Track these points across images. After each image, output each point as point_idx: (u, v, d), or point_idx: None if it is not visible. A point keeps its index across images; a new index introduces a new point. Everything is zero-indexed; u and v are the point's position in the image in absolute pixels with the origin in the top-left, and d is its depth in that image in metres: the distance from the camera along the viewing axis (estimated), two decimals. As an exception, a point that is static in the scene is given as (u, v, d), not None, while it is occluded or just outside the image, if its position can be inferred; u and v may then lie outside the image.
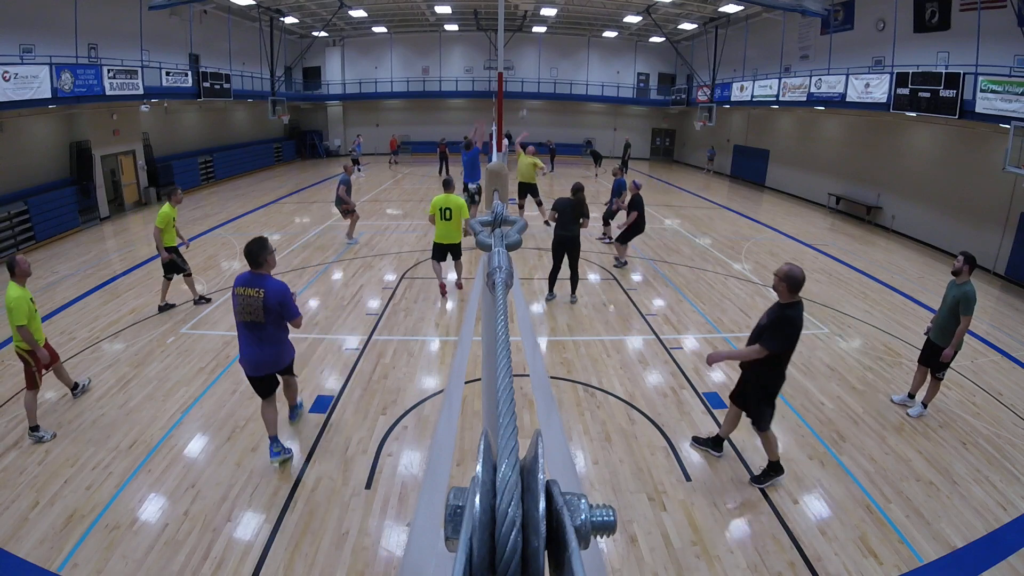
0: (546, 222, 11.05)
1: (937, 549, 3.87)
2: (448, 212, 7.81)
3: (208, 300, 8.26)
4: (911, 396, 5.76)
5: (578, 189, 7.91)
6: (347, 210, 11.26)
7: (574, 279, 8.23)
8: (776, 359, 4.17)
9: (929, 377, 5.57)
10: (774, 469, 4.48)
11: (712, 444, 4.83)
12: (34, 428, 4.87)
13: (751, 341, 4.25)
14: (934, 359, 5.43)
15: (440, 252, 8.16)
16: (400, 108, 29.18)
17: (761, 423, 4.37)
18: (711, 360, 4.33)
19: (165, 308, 7.85)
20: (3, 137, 11.92)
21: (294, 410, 5.15)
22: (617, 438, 5.03)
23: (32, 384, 4.87)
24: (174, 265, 7.65)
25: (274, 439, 4.55)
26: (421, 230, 12.98)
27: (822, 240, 13.34)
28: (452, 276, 8.63)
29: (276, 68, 22.72)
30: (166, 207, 7.50)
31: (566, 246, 7.96)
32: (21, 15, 12.47)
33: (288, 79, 25.23)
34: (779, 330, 4.06)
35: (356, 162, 23.34)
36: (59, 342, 6.50)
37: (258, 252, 4.20)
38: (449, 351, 6.68)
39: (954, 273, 5.27)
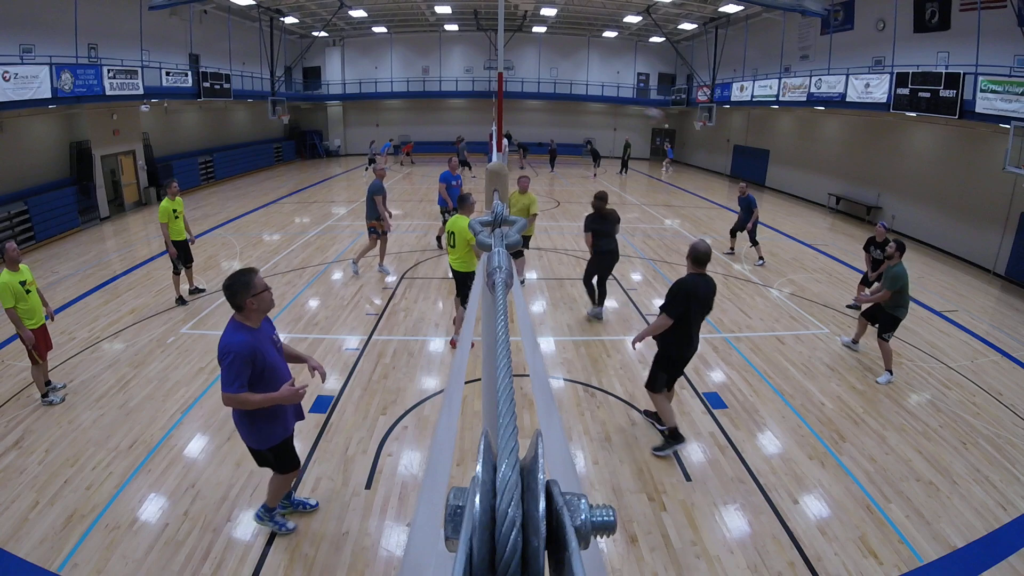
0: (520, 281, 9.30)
1: (937, 549, 3.87)
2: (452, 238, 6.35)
3: (202, 290, 8.59)
4: (855, 341, 7.01)
5: (602, 197, 7.21)
6: (373, 228, 9.13)
7: (603, 293, 7.66)
8: (676, 325, 4.48)
9: (878, 340, 6.42)
10: (673, 437, 4.77)
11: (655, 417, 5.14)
12: (44, 395, 5.44)
13: None
14: (877, 317, 6.43)
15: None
16: (400, 108, 29.18)
17: (651, 384, 4.76)
18: (635, 342, 4.71)
19: (181, 301, 8.08)
20: (3, 137, 11.92)
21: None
22: (617, 438, 5.02)
23: (33, 360, 5.34)
24: (180, 259, 7.91)
25: (267, 508, 3.80)
26: (422, 230, 13.00)
27: (822, 240, 13.34)
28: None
29: (276, 68, 22.72)
30: (164, 201, 7.74)
31: (609, 261, 7.32)
32: (21, 15, 12.47)
33: (288, 79, 25.24)
34: (671, 296, 4.45)
35: (372, 160, 23.41)
36: (59, 342, 6.50)
37: (232, 292, 3.20)
38: (449, 351, 6.68)
39: (887, 257, 6.34)
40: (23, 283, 5.19)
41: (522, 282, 9.41)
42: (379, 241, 9.33)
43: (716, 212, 16.37)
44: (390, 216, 9.12)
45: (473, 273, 6.15)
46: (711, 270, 10.33)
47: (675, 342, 4.57)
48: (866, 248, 7.96)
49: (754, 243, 10.87)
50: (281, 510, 3.96)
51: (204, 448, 4.78)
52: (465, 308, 6.60)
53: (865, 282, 8.07)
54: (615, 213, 7.32)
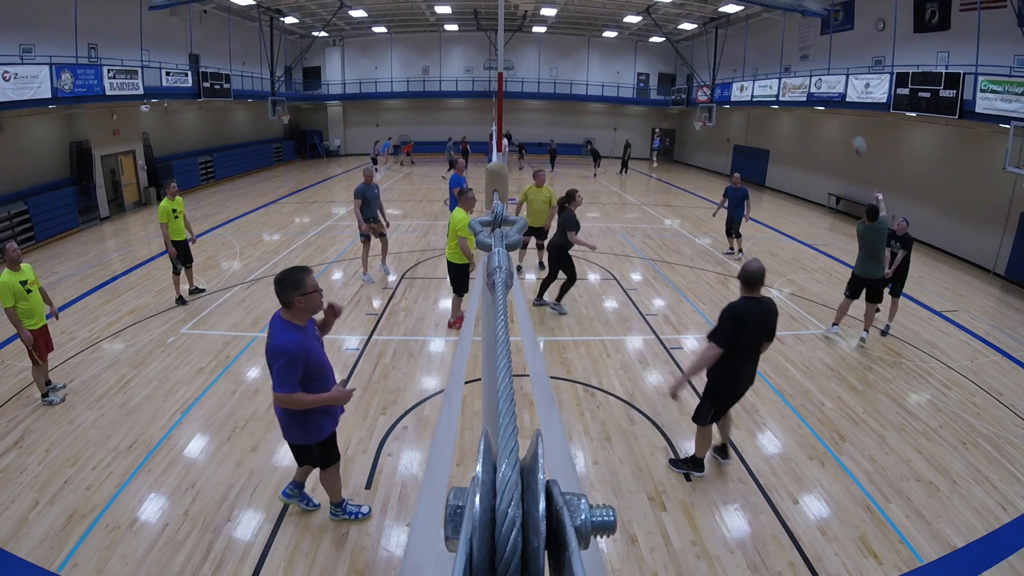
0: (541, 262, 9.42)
1: (937, 549, 3.87)
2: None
3: (202, 290, 8.55)
4: (865, 330, 7.22)
5: (568, 196, 7.49)
6: (368, 231, 8.80)
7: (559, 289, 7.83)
8: (723, 354, 4.00)
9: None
10: (695, 464, 4.52)
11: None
12: (44, 395, 5.43)
13: None
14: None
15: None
16: (400, 108, 29.18)
17: (697, 416, 4.40)
18: (675, 390, 4.16)
19: (181, 301, 8.08)
20: (3, 137, 11.92)
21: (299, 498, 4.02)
22: (617, 438, 5.02)
23: (33, 361, 5.32)
24: (179, 259, 7.90)
25: (336, 504, 3.93)
26: (421, 230, 12.99)
27: (822, 240, 13.34)
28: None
29: (276, 68, 22.72)
30: (163, 202, 7.73)
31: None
32: (21, 15, 12.47)
33: (288, 79, 25.24)
34: (720, 321, 4.02)
35: (375, 161, 23.46)
36: (59, 342, 6.50)
37: (282, 288, 3.13)
38: (449, 351, 6.68)
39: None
40: (24, 282, 5.18)
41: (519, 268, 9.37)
42: (376, 242, 9.06)
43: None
44: (372, 221, 8.70)
45: (461, 266, 6.70)
46: (707, 269, 10.32)
47: (722, 373, 4.09)
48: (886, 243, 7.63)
49: (738, 235, 11.06)
50: (286, 497, 3.99)
51: (204, 448, 4.78)
52: (460, 295, 6.86)
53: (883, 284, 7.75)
54: (566, 213, 7.36)
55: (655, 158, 26.45)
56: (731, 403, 4.31)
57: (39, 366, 5.36)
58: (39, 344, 5.29)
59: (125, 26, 15.87)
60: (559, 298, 7.87)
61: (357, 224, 8.74)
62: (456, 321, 7.29)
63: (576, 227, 7.25)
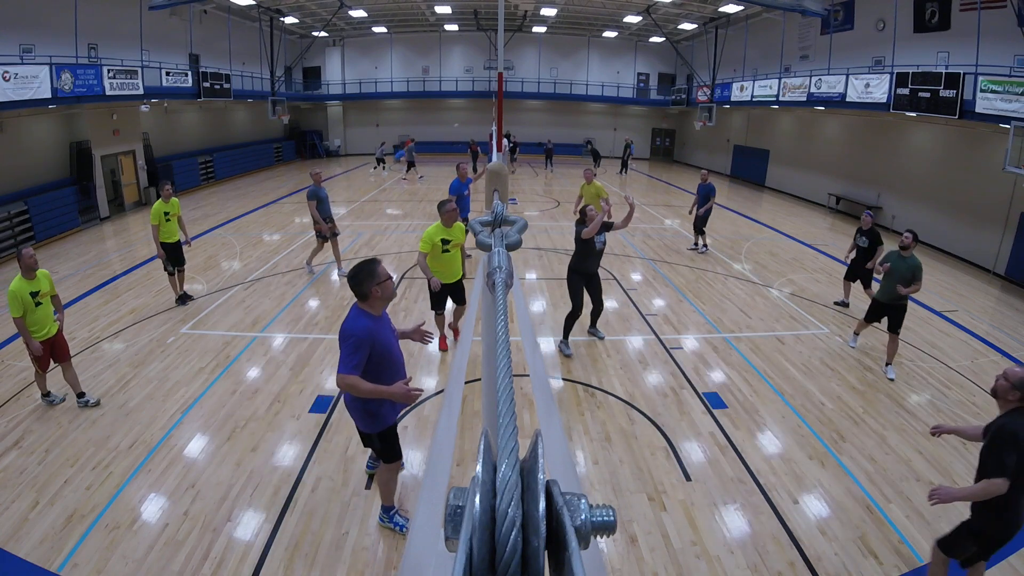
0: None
1: (937, 549, 3.87)
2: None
3: (191, 297, 8.32)
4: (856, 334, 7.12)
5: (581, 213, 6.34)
6: (320, 232, 9.15)
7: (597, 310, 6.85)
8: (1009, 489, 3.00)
9: (888, 335, 6.47)
10: None
11: None
12: (45, 394, 5.41)
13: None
14: (892, 316, 6.36)
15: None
16: (400, 108, 29.17)
17: (951, 548, 3.36)
18: (941, 497, 3.19)
19: (181, 301, 8.08)
20: (3, 137, 11.92)
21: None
22: (617, 438, 5.02)
23: (37, 366, 5.23)
24: (171, 259, 7.85)
25: (385, 508, 3.92)
26: (421, 230, 12.98)
27: (822, 240, 13.34)
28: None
29: (276, 68, 22.72)
30: (156, 203, 7.71)
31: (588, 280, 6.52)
32: (21, 15, 12.47)
33: (288, 79, 25.24)
34: (1001, 447, 3.06)
35: (381, 160, 23.50)
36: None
37: (358, 281, 3.25)
38: (449, 351, 6.68)
39: (903, 248, 6.16)
40: (36, 293, 5.00)
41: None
42: (328, 244, 9.41)
43: (716, 212, 16.31)
44: (326, 221, 9.06)
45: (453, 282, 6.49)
46: (707, 269, 10.31)
47: (1002, 514, 3.13)
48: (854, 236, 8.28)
49: (701, 231, 11.45)
50: (382, 522, 3.94)
51: (204, 448, 4.78)
52: (434, 311, 6.53)
53: (850, 276, 8.44)
54: (577, 230, 6.39)
55: (625, 170, 25.27)
56: (999, 547, 3.27)
57: (40, 375, 5.28)
58: (43, 356, 5.16)
59: (125, 26, 15.87)
60: (564, 335, 6.70)
61: (317, 225, 9.03)
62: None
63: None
